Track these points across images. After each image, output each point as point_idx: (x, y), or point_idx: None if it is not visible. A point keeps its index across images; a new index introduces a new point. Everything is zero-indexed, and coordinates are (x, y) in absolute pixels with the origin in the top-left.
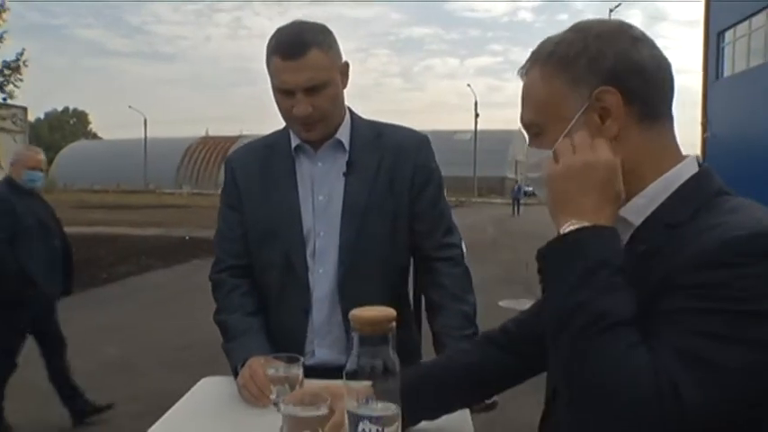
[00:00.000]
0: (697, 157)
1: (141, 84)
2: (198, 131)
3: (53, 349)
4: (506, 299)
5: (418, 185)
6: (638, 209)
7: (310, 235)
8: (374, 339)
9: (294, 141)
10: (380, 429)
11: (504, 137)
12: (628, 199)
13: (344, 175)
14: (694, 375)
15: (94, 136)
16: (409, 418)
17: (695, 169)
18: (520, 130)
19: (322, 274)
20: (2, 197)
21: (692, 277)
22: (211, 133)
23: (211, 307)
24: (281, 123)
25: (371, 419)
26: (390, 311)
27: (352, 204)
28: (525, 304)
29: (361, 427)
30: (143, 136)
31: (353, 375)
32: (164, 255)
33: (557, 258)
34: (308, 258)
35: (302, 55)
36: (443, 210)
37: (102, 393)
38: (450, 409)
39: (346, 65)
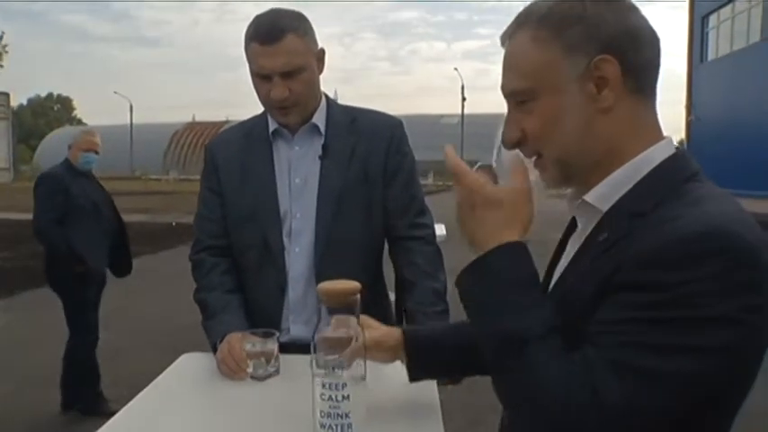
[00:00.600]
0: (673, 140)
1: (126, 69)
2: (184, 117)
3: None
4: None
5: (391, 169)
6: (605, 194)
7: (287, 216)
8: (340, 311)
9: (272, 126)
10: (339, 396)
11: (491, 121)
12: (600, 179)
13: (320, 158)
14: (623, 385)
15: (79, 122)
16: (416, 371)
17: (670, 152)
18: None
19: (298, 254)
20: (57, 178)
21: (636, 276)
22: (198, 119)
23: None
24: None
25: (331, 385)
26: (355, 284)
27: (328, 187)
28: None
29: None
30: (129, 122)
31: (319, 345)
32: (150, 241)
33: (466, 285)
34: (284, 238)
35: (279, 40)
36: (416, 192)
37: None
38: (456, 371)
39: (322, 51)
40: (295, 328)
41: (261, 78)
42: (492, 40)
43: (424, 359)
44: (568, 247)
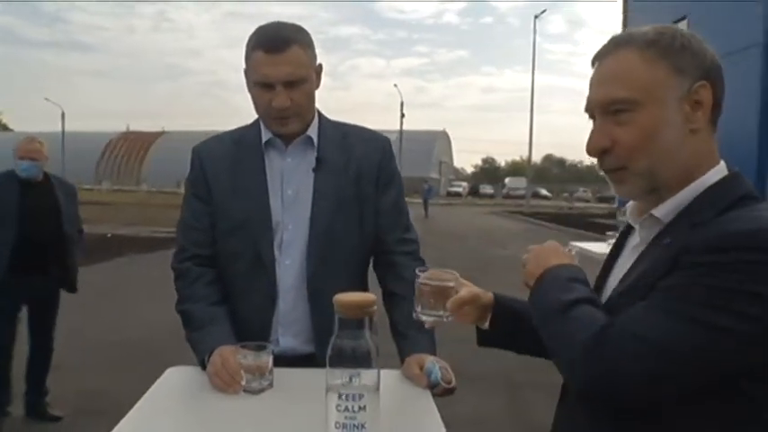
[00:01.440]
0: (727, 162)
1: (58, 75)
2: (118, 126)
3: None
4: None
5: (382, 185)
6: (671, 210)
7: (278, 227)
8: (352, 323)
9: (265, 136)
10: (356, 407)
11: (428, 137)
12: (671, 196)
13: (314, 170)
14: (635, 347)
15: (5, 128)
16: (491, 335)
17: (724, 174)
18: (444, 132)
19: (289, 266)
20: None
21: (695, 257)
22: (133, 128)
23: (139, 306)
24: (205, 122)
25: (348, 396)
26: (370, 296)
27: (321, 199)
28: None
29: (337, 402)
30: (61, 129)
31: (335, 356)
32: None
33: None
34: (275, 250)
35: (284, 50)
36: (403, 208)
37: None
38: (523, 347)
39: (320, 66)
40: (284, 340)
41: (263, 87)
42: (430, 58)
43: (504, 326)
44: (625, 257)
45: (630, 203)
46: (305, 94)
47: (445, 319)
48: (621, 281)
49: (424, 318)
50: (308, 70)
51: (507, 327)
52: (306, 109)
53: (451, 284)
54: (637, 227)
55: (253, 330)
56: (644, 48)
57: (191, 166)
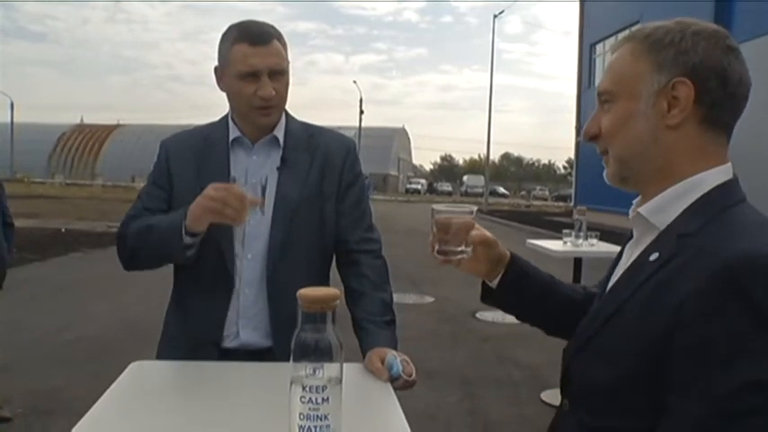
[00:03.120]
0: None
1: (5, 63)
2: (71, 119)
3: None
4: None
5: (345, 186)
6: (656, 208)
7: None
8: (316, 317)
9: (233, 134)
10: (319, 399)
11: (387, 134)
12: (657, 193)
13: (278, 169)
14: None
15: None
16: (497, 292)
17: (725, 178)
18: (403, 128)
19: (250, 260)
20: None
21: (690, 334)
22: (87, 121)
23: (93, 302)
24: (161, 115)
25: (312, 388)
26: (335, 291)
27: (284, 197)
28: (411, 298)
29: (301, 394)
30: (9, 120)
31: (299, 349)
32: (38, 248)
33: None
34: (237, 244)
35: (269, 42)
36: (365, 209)
37: None
38: (525, 313)
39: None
40: (244, 333)
41: (248, 78)
42: (389, 55)
43: (513, 287)
44: (625, 255)
45: (634, 202)
46: (285, 85)
47: (464, 256)
48: (613, 287)
49: (442, 256)
50: (287, 64)
51: (516, 289)
52: (284, 101)
53: (472, 216)
54: (632, 225)
55: (214, 323)
56: (637, 43)
57: (157, 158)
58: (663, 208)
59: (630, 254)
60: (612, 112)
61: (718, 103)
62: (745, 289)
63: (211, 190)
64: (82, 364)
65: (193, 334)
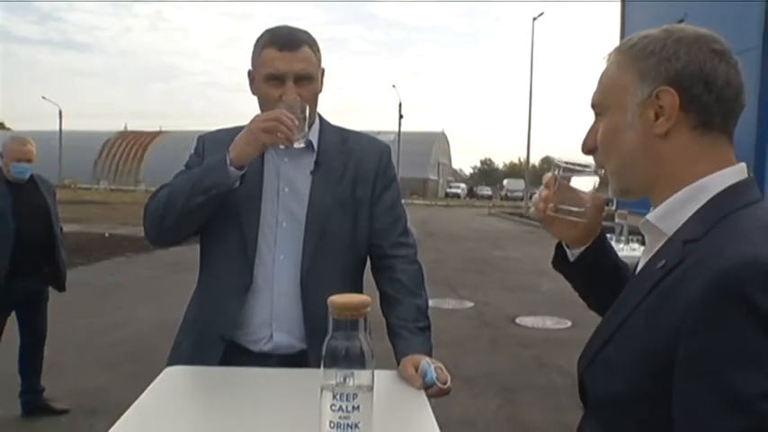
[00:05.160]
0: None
1: (54, 73)
2: (115, 125)
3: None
4: (432, 298)
5: (379, 190)
6: (663, 215)
7: (273, 224)
8: (346, 324)
9: None
10: (350, 407)
11: (426, 138)
12: (662, 201)
13: (311, 173)
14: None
15: (1, 126)
16: (577, 263)
17: (733, 180)
18: (443, 133)
19: (283, 261)
20: None
21: (692, 344)
22: (130, 128)
23: (136, 305)
24: (201, 122)
25: (342, 396)
26: (365, 298)
27: (318, 201)
28: (449, 303)
29: (331, 402)
30: (58, 128)
31: (329, 357)
32: (84, 252)
33: None
34: (270, 246)
35: (297, 48)
36: (400, 213)
37: None
38: (591, 289)
39: (323, 71)
40: (278, 335)
41: (273, 81)
42: (427, 59)
43: (596, 257)
44: (639, 263)
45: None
46: (312, 92)
47: (581, 219)
48: (622, 294)
49: (563, 215)
50: (317, 70)
51: (594, 262)
52: (312, 107)
53: (598, 176)
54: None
55: (244, 324)
56: (625, 52)
57: (194, 150)
58: (669, 214)
59: (643, 262)
60: (604, 124)
61: (706, 107)
62: (745, 295)
63: (262, 116)
64: (124, 366)
65: (203, 326)
